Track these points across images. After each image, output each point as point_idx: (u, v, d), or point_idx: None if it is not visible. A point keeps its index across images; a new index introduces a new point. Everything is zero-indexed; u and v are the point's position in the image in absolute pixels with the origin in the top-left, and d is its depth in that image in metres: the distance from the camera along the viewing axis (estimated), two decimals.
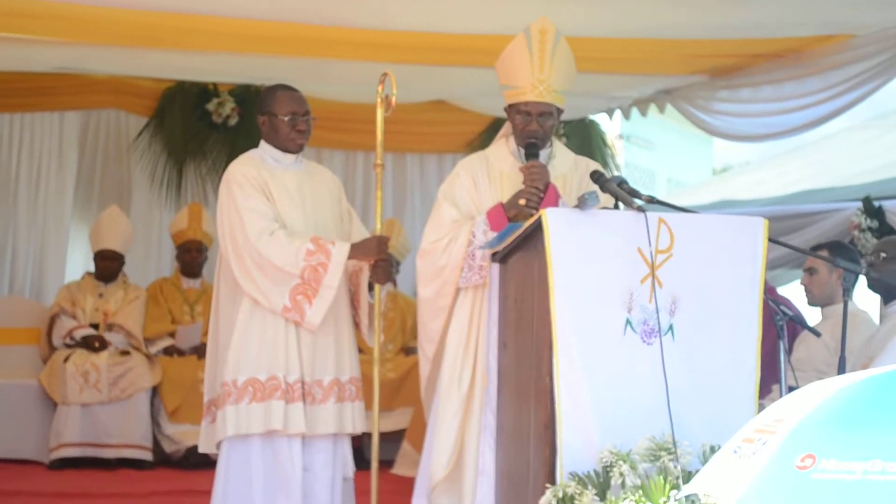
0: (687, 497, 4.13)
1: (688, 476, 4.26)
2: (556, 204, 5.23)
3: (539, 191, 5.25)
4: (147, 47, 8.54)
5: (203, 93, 10.43)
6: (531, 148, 5.36)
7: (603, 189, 5.04)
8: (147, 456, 9.15)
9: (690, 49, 8.24)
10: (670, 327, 4.69)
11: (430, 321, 5.51)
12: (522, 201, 5.24)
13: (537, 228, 4.68)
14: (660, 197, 5.10)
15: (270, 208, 5.67)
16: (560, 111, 5.48)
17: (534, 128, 5.39)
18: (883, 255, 6.39)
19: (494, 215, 5.30)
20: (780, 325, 5.01)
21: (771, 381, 5.18)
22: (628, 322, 4.63)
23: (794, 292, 8.51)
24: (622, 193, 4.91)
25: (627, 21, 7.46)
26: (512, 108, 5.46)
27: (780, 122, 8.54)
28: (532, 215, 5.07)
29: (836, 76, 7.89)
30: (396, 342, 10.06)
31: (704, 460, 4.41)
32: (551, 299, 4.56)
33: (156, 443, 9.28)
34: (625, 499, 4.21)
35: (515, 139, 5.51)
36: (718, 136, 10.10)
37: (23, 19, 7.59)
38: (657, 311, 4.62)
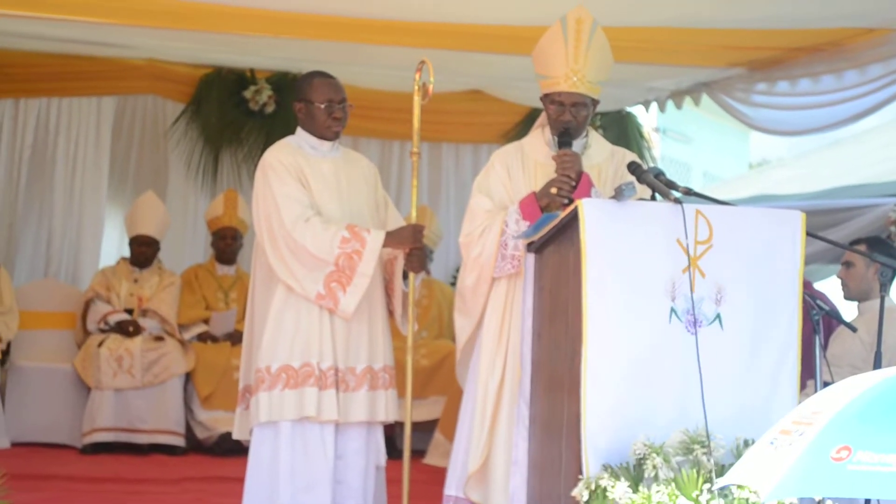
0: (721, 489, 4.12)
1: (720, 470, 4.25)
2: (588, 193, 5.20)
3: (571, 179, 5.21)
4: (184, 29, 8.55)
5: (240, 80, 10.46)
6: (564, 136, 5.33)
7: (640, 180, 5.00)
8: (179, 442, 9.21)
9: (728, 40, 8.21)
10: (717, 316, 4.66)
11: (473, 307, 5.48)
12: (554, 190, 5.21)
13: (573, 219, 4.65)
14: (696, 190, 5.07)
15: (306, 195, 5.67)
16: (595, 102, 5.44)
17: (567, 118, 5.35)
18: None
19: (526, 204, 5.28)
20: (815, 320, 4.99)
21: (806, 376, 5.15)
22: (673, 311, 4.61)
23: (830, 288, 8.47)
24: (659, 185, 4.88)
25: (665, 10, 7.43)
26: (546, 98, 5.44)
27: (820, 115, 8.49)
28: (564, 204, 5.05)
29: (876, 70, 7.84)
30: (431, 330, 10.07)
31: (738, 454, 4.39)
32: (583, 290, 4.54)
33: (188, 429, 9.33)
34: (657, 492, 4.20)
35: (550, 129, 5.49)
36: (757, 129, 10.04)
37: None
38: (693, 302, 4.59)
